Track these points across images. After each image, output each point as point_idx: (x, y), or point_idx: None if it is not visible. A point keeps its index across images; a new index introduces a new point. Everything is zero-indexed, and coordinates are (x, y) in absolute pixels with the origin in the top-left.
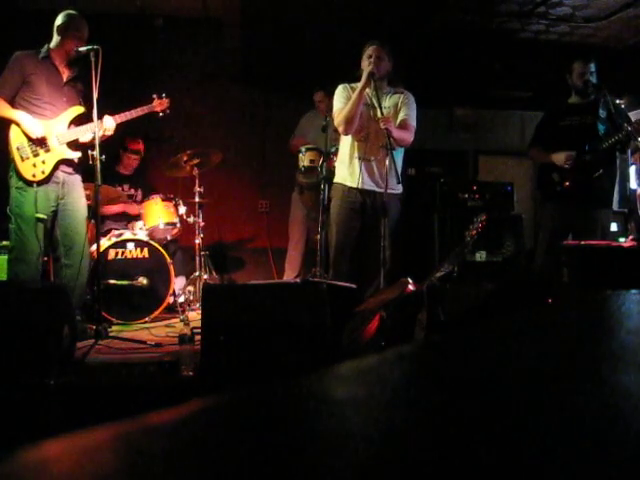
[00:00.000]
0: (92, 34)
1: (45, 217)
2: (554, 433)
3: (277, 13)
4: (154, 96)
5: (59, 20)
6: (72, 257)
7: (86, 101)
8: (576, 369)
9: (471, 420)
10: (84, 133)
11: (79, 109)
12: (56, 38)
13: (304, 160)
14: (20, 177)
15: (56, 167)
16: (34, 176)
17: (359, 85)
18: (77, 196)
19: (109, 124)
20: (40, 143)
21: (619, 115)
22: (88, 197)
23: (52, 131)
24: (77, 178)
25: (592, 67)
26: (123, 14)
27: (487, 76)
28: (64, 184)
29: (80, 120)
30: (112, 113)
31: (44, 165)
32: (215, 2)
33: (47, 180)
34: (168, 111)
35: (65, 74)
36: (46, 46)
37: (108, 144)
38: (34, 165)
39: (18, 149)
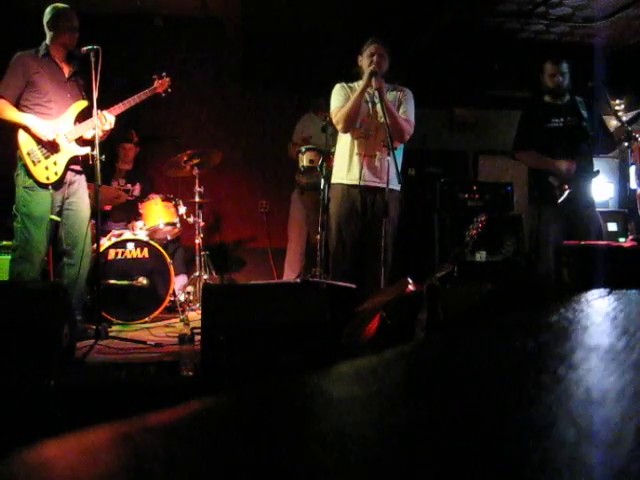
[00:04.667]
0: (92, 34)
1: (59, 219)
2: (555, 432)
3: (277, 13)
4: (154, 77)
5: (47, 15)
6: (74, 256)
7: (89, 95)
8: (573, 369)
9: (470, 420)
10: (89, 128)
11: (83, 103)
12: (49, 34)
13: (303, 160)
14: (34, 180)
15: (68, 166)
16: (48, 179)
17: (361, 84)
18: (82, 196)
19: (109, 118)
20: (51, 145)
21: (596, 116)
22: (89, 197)
23: (60, 130)
24: (83, 178)
25: (564, 68)
26: (123, 14)
27: (487, 76)
28: (71, 184)
29: (85, 114)
30: (108, 108)
31: (56, 166)
32: (215, 2)
33: (61, 181)
34: (170, 90)
35: (66, 69)
36: (44, 44)
37: (111, 142)
38: (46, 168)
39: (29, 154)
